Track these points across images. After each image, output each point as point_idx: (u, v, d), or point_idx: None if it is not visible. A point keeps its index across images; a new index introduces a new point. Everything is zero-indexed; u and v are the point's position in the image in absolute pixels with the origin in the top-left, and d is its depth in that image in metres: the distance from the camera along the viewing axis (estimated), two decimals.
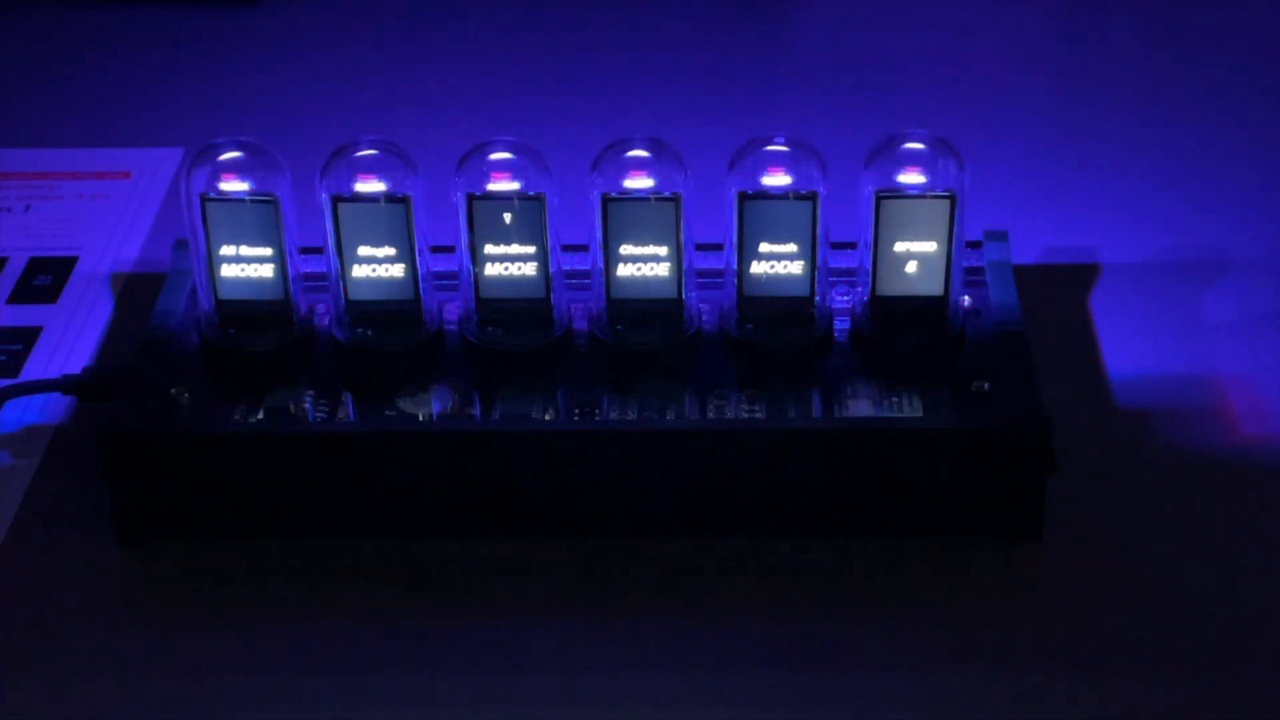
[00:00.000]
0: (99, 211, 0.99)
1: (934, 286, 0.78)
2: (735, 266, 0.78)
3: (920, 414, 0.77)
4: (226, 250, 0.78)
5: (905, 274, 0.78)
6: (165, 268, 0.85)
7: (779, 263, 0.78)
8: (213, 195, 0.78)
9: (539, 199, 0.77)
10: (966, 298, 0.81)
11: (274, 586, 0.75)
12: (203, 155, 0.78)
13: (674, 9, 1.18)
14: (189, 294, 0.82)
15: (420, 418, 0.78)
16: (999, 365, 0.78)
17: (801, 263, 0.78)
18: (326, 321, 0.81)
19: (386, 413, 0.78)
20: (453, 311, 0.80)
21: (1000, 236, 0.85)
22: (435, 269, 0.80)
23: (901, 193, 0.77)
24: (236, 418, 0.77)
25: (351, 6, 1.18)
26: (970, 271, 0.83)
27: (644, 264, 0.78)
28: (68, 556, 0.77)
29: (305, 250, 0.80)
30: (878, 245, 0.78)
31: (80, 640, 0.73)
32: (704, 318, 0.80)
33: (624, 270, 0.78)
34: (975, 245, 0.84)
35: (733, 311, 0.79)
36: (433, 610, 0.74)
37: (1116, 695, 0.70)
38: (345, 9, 1.18)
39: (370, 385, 0.79)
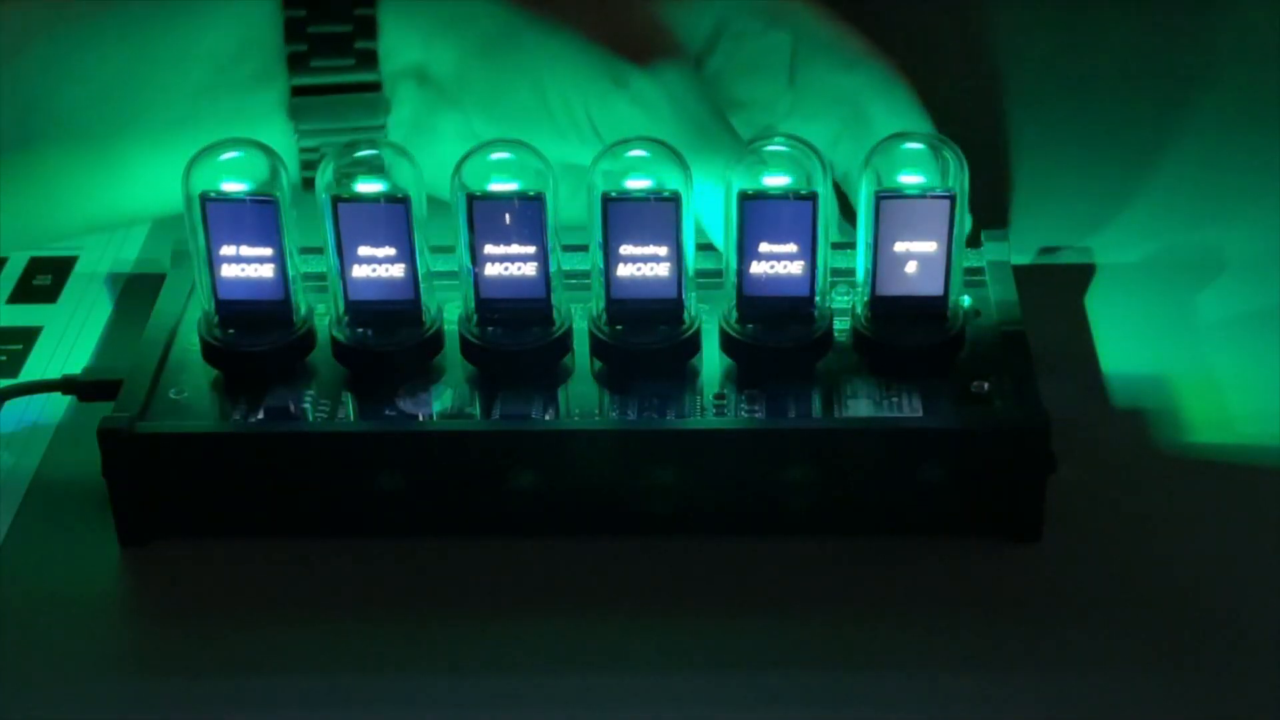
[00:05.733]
0: None
1: (934, 286, 0.78)
2: (735, 266, 0.78)
3: (920, 414, 0.77)
4: (226, 250, 0.78)
5: (905, 274, 0.78)
6: (165, 268, 0.85)
7: (779, 263, 0.78)
8: (213, 195, 0.78)
9: (539, 199, 0.77)
10: (966, 298, 0.81)
11: (274, 586, 0.75)
12: (203, 155, 0.78)
13: None
14: (189, 294, 0.83)
15: (420, 418, 0.78)
16: (999, 365, 0.78)
17: (801, 263, 0.78)
18: (326, 321, 0.81)
19: (386, 413, 0.78)
20: (453, 311, 0.80)
21: (1000, 236, 0.85)
22: (435, 269, 0.80)
23: (901, 193, 0.77)
24: (236, 418, 0.77)
25: None
26: (970, 271, 0.83)
27: (644, 264, 0.78)
28: (68, 556, 0.77)
29: (305, 250, 0.80)
30: (878, 245, 0.78)
31: (80, 640, 0.73)
32: (704, 318, 0.80)
33: (624, 270, 0.78)
34: (975, 245, 0.84)
35: (733, 311, 0.79)
36: (433, 610, 0.74)
37: (1117, 695, 0.70)
38: None
39: (370, 385, 0.79)
